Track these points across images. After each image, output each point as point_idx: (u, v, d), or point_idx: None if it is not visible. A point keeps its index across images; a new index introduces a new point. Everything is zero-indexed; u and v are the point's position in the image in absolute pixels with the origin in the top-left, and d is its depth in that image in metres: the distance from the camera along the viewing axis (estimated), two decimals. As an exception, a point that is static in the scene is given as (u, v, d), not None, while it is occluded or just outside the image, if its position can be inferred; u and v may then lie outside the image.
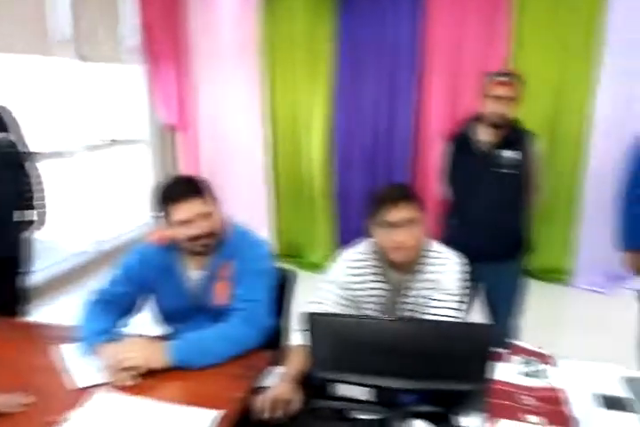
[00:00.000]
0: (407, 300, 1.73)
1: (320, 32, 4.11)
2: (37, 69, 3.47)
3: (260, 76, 4.30)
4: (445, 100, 4.01)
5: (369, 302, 1.75)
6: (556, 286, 4.03)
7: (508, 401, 1.42)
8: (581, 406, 1.39)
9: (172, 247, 1.79)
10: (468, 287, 1.86)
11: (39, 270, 3.30)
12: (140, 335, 1.69)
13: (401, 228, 1.62)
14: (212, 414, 1.35)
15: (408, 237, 1.63)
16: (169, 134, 4.53)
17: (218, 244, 1.76)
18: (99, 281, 1.84)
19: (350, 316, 1.64)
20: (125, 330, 1.76)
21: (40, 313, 3.01)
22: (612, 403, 1.40)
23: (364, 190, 4.01)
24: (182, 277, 1.80)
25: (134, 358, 1.51)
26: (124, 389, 1.47)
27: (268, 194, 4.52)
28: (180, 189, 1.71)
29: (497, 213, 2.41)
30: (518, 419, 1.34)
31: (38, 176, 2.69)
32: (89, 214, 3.91)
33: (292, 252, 4.55)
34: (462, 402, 1.39)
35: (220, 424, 1.33)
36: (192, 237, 1.69)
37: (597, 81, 3.74)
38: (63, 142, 3.65)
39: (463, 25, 3.88)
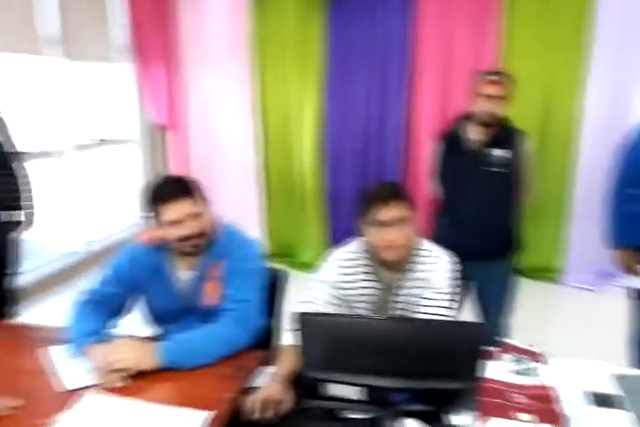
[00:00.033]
0: (398, 299, 1.73)
1: (310, 30, 4.10)
2: (25, 69, 3.43)
3: (251, 75, 4.29)
4: (436, 99, 4.02)
5: (360, 302, 1.75)
6: (547, 284, 4.05)
7: (498, 399, 1.42)
8: (572, 403, 1.40)
9: (161, 248, 1.78)
10: (458, 286, 1.86)
11: (28, 271, 3.27)
12: (130, 336, 1.68)
13: (392, 227, 1.62)
14: (203, 415, 1.34)
15: (399, 236, 1.63)
16: (159, 134, 4.50)
17: (208, 244, 1.75)
18: (88, 282, 1.82)
19: (341, 315, 1.64)
20: (115, 331, 1.75)
21: (29, 314, 2.98)
22: (603, 400, 1.40)
23: (355, 190, 4.01)
24: (172, 278, 1.78)
25: (124, 359, 1.50)
26: (113, 390, 1.45)
27: (259, 193, 4.51)
28: (169, 189, 1.70)
29: (487, 211, 2.42)
30: (509, 417, 1.35)
31: (26, 176, 2.66)
32: (78, 215, 3.88)
33: (284, 251, 4.55)
34: (453, 401, 1.39)
35: (210, 425, 1.32)
36: (182, 237, 1.68)
37: (587, 80, 3.76)
38: (52, 142, 3.62)
39: (453, 24, 3.89)
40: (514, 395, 1.43)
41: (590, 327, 3.32)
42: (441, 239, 1.93)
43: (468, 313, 2.54)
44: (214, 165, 4.52)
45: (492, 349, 1.63)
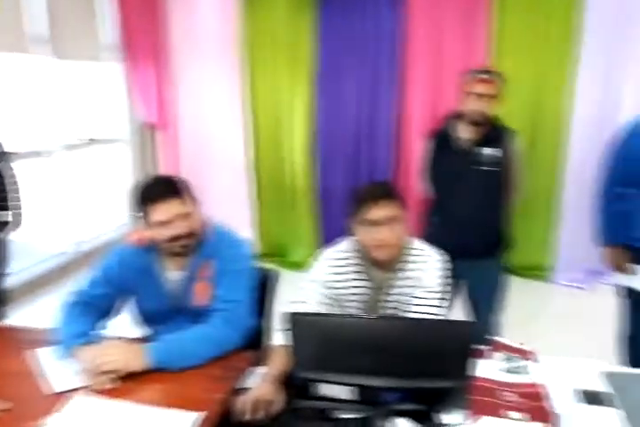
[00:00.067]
0: (389, 298, 1.73)
1: (300, 29, 4.09)
2: (13, 67, 3.40)
3: (241, 74, 4.27)
4: (427, 98, 4.02)
5: (352, 301, 1.75)
6: (537, 282, 4.07)
7: (489, 398, 1.42)
8: (562, 401, 1.40)
9: (151, 248, 1.77)
10: (449, 284, 1.86)
11: (16, 272, 3.24)
12: (119, 338, 1.66)
13: (382, 226, 1.61)
14: (193, 417, 1.33)
15: (389, 235, 1.62)
16: (148, 133, 4.48)
17: (197, 244, 1.74)
18: (77, 283, 1.81)
19: (332, 315, 1.64)
20: (104, 332, 1.73)
21: (17, 316, 2.95)
22: (593, 398, 1.41)
23: (346, 189, 4.01)
24: (162, 279, 1.77)
25: (113, 361, 1.48)
26: (102, 392, 1.44)
27: (250, 193, 4.50)
28: (158, 189, 1.68)
29: (477, 210, 2.42)
30: (500, 415, 1.35)
31: (13, 176, 2.63)
32: (67, 215, 3.85)
33: (275, 251, 4.54)
34: (444, 399, 1.39)
35: (200, 426, 1.31)
36: (171, 237, 1.67)
37: (576, 79, 3.78)
38: (41, 142, 3.58)
39: (444, 22, 3.90)
40: (504, 393, 1.44)
41: (580, 325, 3.34)
42: (431, 238, 1.93)
43: (459, 312, 2.55)
44: (204, 164, 4.50)
45: (482, 347, 1.63)
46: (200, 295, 1.73)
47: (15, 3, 3.25)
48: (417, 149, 2.82)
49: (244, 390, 1.48)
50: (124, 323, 1.87)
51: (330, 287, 1.72)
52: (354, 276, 1.73)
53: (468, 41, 3.88)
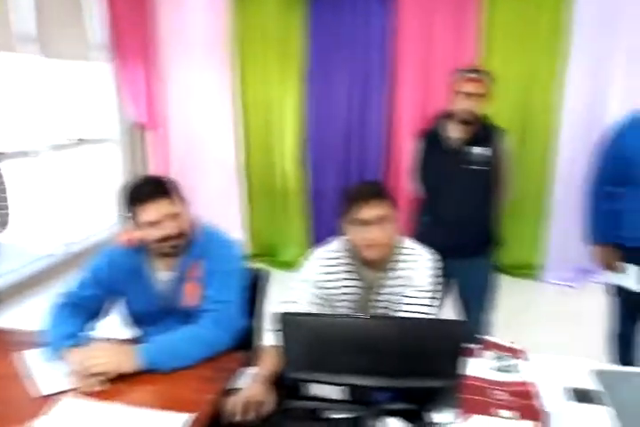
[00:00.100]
0: (380, 297, 1.73)
1: (291, 28, 4.09)
2: (0, 66, 3.36)
3: (231, 74, 4.26)
4: (417, 97, 4.03)
5: (342, 300, 1.74)
6: (527, 281, 4.09)
7: (480, 396, 1.42)
8: (553, 399, 1.40)
9: (140, 249, 1.76)
10: (440, 284, 1.86)
11: (4, 274, 3.21)
12: (108, 339, 1.65)
13: (373, 225, 1.61)
14: (183, 418, 1.32)
15: (380, 235, 1.62)
16: (138, 133, 4.45)
17: (187, 244, 1.73)
18: (66, 284, 1.79)
19: (322, 315, 1.63)
20: (93, 334, 1.72)
21: (5, 317, 2.92)
22: (583, 396, 1.42)
23: (337, 188, 4.01)
24: (151, 279, 1.76)
25: (103, 363, 1.47)
26: (91, 394, 1.43)
27: (241, 193, 4.48)
28: (147, 189, 1.67)
29: (468, 209, 2.43)
30: (490, 414, 1.35)
31: (0, 176, 2.60)
32: (56, 216, 3.82)
33: (266, 251, 4.53)
34: (435, 398, 1.39)
35: (190, 428, 1.31)
36: (160, 238, 1.66)
37: (565, 78, 3.81)
38: (28, 142, 3.55)
39: (433, 21, 3.91)
40: (495, 392, 1.44)
41: (570, 324, 3.36)
42: (422, 237, 1.93)
43: (449, 311, 2.55)
44: (195, 164, 4.48)
45: (473, 346, 1.64)
46: (190, 296, 1.72)
47: (2, 1, 3.22)
48: (407, 149, 2.83)
49: (235, 390, 1.48)
50: (114, 324, 1.85)
51: (321, 287, 1.72)
52: (345, 275, 1.73)
53: (458, 40, 3.89)
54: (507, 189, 2.52)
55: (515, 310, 3.34)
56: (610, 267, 2.32)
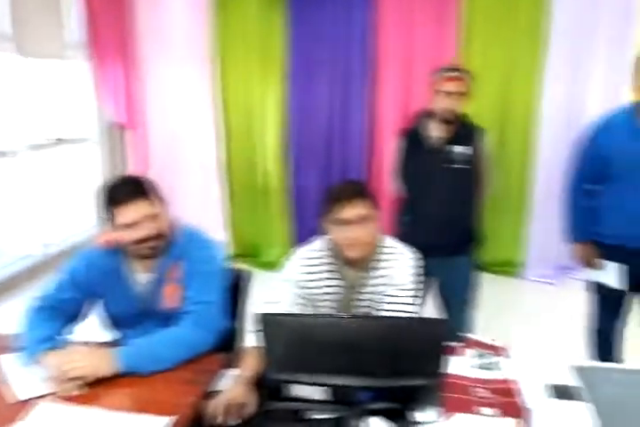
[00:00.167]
0: (362, 297, 1.72)
1: (272, 26, 4.07)
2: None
3: (212, 72, 4.22)
4: (399, 96, 4.04)
5: (325, 300, 1.74)
6: (508, 278, 4.13)
7: (462, 395, 1.43)
8: (534, 396, 1.41)
9: (118, 250, 1.73)
10: (421, 282, 1.87)
11: (-20, 276, 3.15)
12: (86, 343, 1.62)
13: (355, 224, 1.61)
14: (164, 421, 1.30)
15: (362, 234, 1.62)
16: (117, 133, 4.39)
17: (166, 245, 1.70)
18: (44, 286, 1.76)
19: (303, 315, 1.63)
20: (71, 337, 1.69)
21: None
22: (563, 392, 1.43)
23: (320, 188, 4.00)
24: (130, 281, 1.73)
25: (80, 367, 1.44)
26: (69, 399, 1.40)
27: (223, 193, 4.45)
28: (125, 190, 1.64)
29: (449, 208, 2.44)
30: (472, 412, 1.36)
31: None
32: (34, 217, 3.75)
33: (248, 251, 4.50)
34: (418, 397, 1.39)
35: (171, 431, 1.29)
36: (139, 239, 1.63)
37: (544, 78, 3.85)
38: (6, 141, 3.48)
39: (414, 20, 3.92)
40: (477, 389, 1.45)
41: (551, 320, 3.39)
42: (403, 236, 1.94)
43: (431, 309, 2.56)
44: (175, 164, 4.44)
45: (454, 344, 1.64)
46: (170, 298, 1.70)
47: (-25, -2, 3.15)
48: (389, 148, 2.83)
49: (216, 393, 1.46)
50: (92, 327, 1.82)
51: (303, 287, 1.71)
52: (327, 275, 1.72)
53: (439, 34, 3.90)
54: (487, 187, 2.54)
55: (496, 307, 3.37)
56: (589, 264, 2.35)
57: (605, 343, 2.43)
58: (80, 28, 3.86)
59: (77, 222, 4.18)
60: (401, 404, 1.38)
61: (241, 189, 4.46)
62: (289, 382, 1.42)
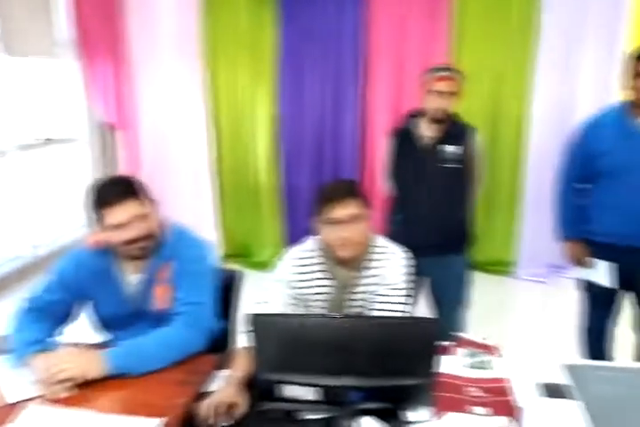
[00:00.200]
0: (354, 297, 1.72)
1: (262, 26, 4.05)
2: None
3: (202, 72, 4.20)
4: (390, 96, 4.04)
5: (316, 300, 1.73)
6: (499, 277, 4.14)
7: (454, 394, 1.43)
8: (526, 394, 1.42)
9: (108, 251, 1.71)
10: (413, 281, 1.87)
11: (-31, 278, 3.11)
12: (76, 344, 1.61)
13: (346, 224, 1.60)
14: (154, 423, 1.29)
15: (353, 234, 1.62)
16: (108, 133, 4.36)
17: (156, 246, 1.69)
18: (33, 288, 1.74)
19: (294, 315, 1.62)
20: (61, 339, 1.67)
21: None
22: (554, 391, 1.43)
23: (311, 187, 4.00)
24: (120, 282, 1.72)
25: (70, 369, 1.43)
26: (58, 401, 1.39)
27: (214, 193, 4.43)
28: (114, 190, 1.63)
29: (441, 207, 2.44)
30: (465, 411, 1.36)
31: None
32: (23, 218, 3.72)
33: (240, 251, 4.49)
34: (410, 397, 1.39)
35: (162, 433, 1.28)
36: (129, 239, 1.62)
37: (535, 77, 3.86)
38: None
39: (405, 19, 3.92)
40: (469, 389, 1.45)
41: (543, 319, 3.41)
42: (395, 236, 1.94)
43: (423, 308, 2.56)
44: (166, 164, 4.41)
45: (446, 343, 1.64)
46: (160, 299, 1.69)
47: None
48: (381, 147, 2.82)
49: (208, 394, 1.45)
50: (82, 328, 1.81)
51: (294, 287, 1.71)
52: (318, 275, 1.72)
53: (430, 38, 3.91)
54: (479, 186, 2.54)
55: (488, 306, 3.37)
56: (580, 262, 2.36)
57: (596, 342, 2.44)
58: (69, 27, 3.83)
59: (67, 223, 4.15)
60: (393, 403, 1.38)
61: (232, 189, 4.44)
62: (280, 382, 1.41)
